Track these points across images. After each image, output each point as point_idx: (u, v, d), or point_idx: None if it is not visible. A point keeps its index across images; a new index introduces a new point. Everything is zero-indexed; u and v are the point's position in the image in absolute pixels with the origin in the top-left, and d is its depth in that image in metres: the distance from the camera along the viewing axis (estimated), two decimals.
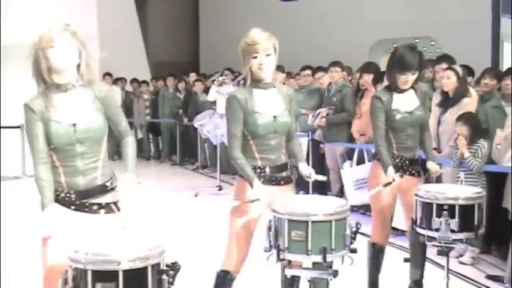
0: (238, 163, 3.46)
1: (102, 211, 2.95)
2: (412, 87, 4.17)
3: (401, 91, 4.14)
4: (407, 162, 4.14)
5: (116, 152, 13.28)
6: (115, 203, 3.00)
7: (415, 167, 4.20)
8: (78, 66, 2.95)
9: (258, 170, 3.51)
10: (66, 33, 2.91)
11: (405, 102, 4.14)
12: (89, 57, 2.99)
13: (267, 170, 3.51)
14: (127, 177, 2.99)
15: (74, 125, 2.88)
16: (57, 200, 2.88)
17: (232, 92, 3.60)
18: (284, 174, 3.57)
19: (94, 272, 2.38)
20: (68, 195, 2.90)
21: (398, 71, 4.06)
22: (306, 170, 3.56)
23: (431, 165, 4.22)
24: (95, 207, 2.93)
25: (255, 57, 3.44)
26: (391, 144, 4.14)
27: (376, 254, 4.28)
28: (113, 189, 3.00)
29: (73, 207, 2.90)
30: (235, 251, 3.53)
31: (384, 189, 3.99)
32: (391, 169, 3.98)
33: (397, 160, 4.13)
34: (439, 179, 5.50)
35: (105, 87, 3.09)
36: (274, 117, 3.50)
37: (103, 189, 2.97)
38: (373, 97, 4.21)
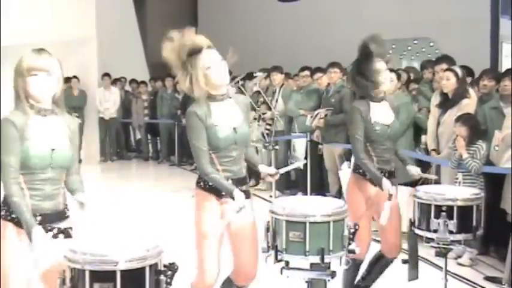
0: (212, 177, 3.35)
1: (61, 236, 2.92)
2: (385, 98, 4.11)
3: (378, 100, 4.05)
4: (387, 174, 4.04)
5: (115, 153, 13.35)
6: (71, 228, 2.99)
7: (392, 179, 4.06)
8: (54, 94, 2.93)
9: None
10: (49, 62, 2.88)
11: (382, 114, 4.06)
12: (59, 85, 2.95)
13: (230, 182, 3.41)
14: (81, 195, 3.01)
15: (53, 150, 2.87)
16: (19, 223, 2.81)
17: (191, 107, 3.46)
18: (244, 187, 3.47)
19: (92, 272, 2.39)
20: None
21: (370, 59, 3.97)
22: (269, 170, 3.53)
23: (411, 168, 4.21)
24: (55, 231, 2.91)
25: (208, 67, 3.37)
26: (370, 157, 4.03)
27: (357, 268, 4.20)
28: (68, 216, 3.00)
29: None
30: (204, 267, 3.46)
31: (361, 205, 3.99)
32: (386, 181, 3.88)
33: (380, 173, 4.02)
34: (437, 181, 5.51)
35: (75, 120, 3.09)
36: (235, 128, 3.43)
37: (63, 215, 2.97)
38: (353, 107, 4.08)
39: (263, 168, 3.57)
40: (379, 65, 4.00)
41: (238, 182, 3.45)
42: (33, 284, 2.79)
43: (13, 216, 2.83)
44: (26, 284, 2.81)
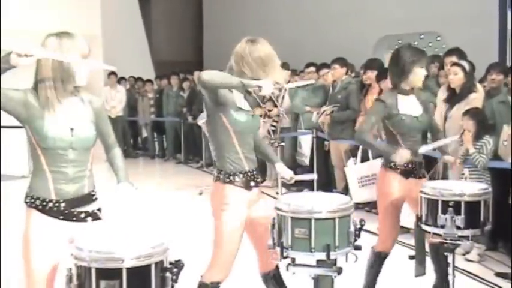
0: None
1: (89, 219, 2.91)
2: (413, 92, 4.12)
3: (407, 93, 4.07)
4: (417, 166, 4.10)
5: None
6: (99, 210, 2.97)
7: (422, 171, 4.18)
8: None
9: (249, 174, 3.43)
10: (73, 45, 2.83)
11: (411, 106, 4.08)
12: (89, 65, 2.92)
13: (255, 173, 3.45)
14: (124, 186, 2.98)
15: (72, 129, 2.83)
16: (44, 210, 2.82)
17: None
18: (259, 179, 3.51)
19: (98, 269, 2.38)
20: (56, 205, 2.83)
21: (416, 64, 3.99)
22: (285, 172, 3.56)
23: (447, 158, 4.32)
24: (82, 215, 2.89)
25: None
26: (400, 148, 4.04)
27: (380, 263, 4.22)
28: (97, 199, 2.98)
29: (61, 217, 2.84)
30: (218, 263, 3.44)
31: (392, 197, 4.03)
32: (401, 151, 3.92)
33: (409, 165, 4.06)
34: (444, 176, 5.49)
35: (99, 99, 3.05)
36: (252, 115, 3.45)
37: (89, 198, 2.94)
38: (377, 100, 4.14)
39: (280, 169, 3.58)
40: (423, 62, 4.03)
41: (257, 170, 3.48)
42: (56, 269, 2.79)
43: (37, 203, 2.83)
44: (49, 270, 2.81)
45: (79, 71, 2.84)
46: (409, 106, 4.07)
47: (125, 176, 3.04)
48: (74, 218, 2.87)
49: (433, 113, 6.13)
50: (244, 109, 3.43)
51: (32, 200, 2.83)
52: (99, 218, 2.94)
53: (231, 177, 3.37)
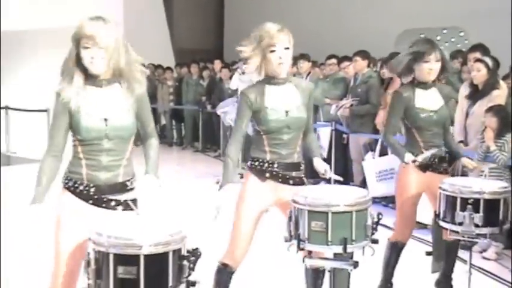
0: (227, 161, 3.46)
1: (120, 208, 2.90)
2: (435, 86, 4.10)
3: (425, 87, 4.04)
4: (436, 160, 4.06)
5: (139, 138, 13.40)
6: (133, 201, 2.95)
7: (443, 165, 4.13)
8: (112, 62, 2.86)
9: (266, 164, 3.46)
10: (105, 31, 2.80)
11: (429, 100, 4.04)
12: (131, 55, 2.92)
13: (275, 165, 3.45)
14: (149, 178, 2.97)
15: (106, 120, 2.84)
16: (75, 192, 2.86)
17: (245, 88, 3.52)
18: (294, 174, 3.49)
19: (116, 255, 2.40)
20: (86, 188, 2.85)
21: (420, 59, 3.96)
22: (322, 167, 3.50)
23: (466, 161, 4.18)
24: (112, 204, 2.89)
25: (273, 51, 3.35)
26: (417, 143, 4.03)
27: (397, 254, 4.20)
28: (132, 188, 2.96)
29: (91, 202, 2.85)
30: (236, 242, 3.52)
31: (410, 189, 4.02)
32: (408, 154, 3.92)
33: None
34: (464, 172, 5.44)
35: (142, 87, 2.97)
36: (286, 112, 3.42)
37: (123, 187, 2.92)
38: (395, 92, 4.15)
39: (316, 162, 3.55)
40: (431, 56, 3.96)
41: (288, 166, 3.48)
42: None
43: (69, 184, 2.86)
44: (75, 250, 2.84)
45: (86, 60, 2.81)
46: (426, 100, 4.04)
47: (154, 169, 3.02)
48: (104, 205, 2.88)
49: (454, 109, 6.11)
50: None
51: (66, 181, 2.88)
52: (131, 209, 2.91)
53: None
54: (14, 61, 12.80)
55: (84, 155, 2.86)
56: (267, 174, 3.46)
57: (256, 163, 3.47)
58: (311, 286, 3.64)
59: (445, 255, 4.17)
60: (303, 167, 3.56)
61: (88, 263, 2.48)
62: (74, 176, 2.87)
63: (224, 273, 3.56)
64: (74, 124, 2.84)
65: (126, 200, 2.92)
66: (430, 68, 3.97)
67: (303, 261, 3.24)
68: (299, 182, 3.48)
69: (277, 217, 3.51)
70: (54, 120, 2.87)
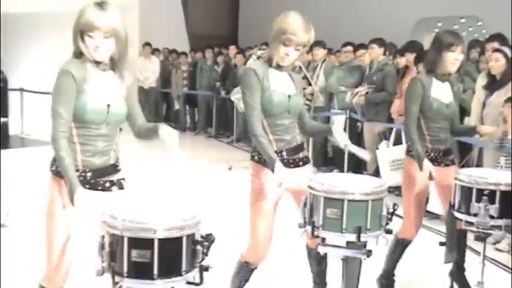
0: (260, 141, 3.32)
1: (115, 188, 2.94)
2: (449, 80, 4.06)
3: (442, 79, 4.00)
4: (441, 154, 4.02)
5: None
6: (124, 179, 2.99)
7: (449, 157, 4.09)
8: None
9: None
10: (109, 22, 2.78)
11: (443, 93, 4.01)
12: (125, 45, 2.89)
13: (284, 153, 3.44)
14: (164, 126, 2.97)
15: (108, 105, 2.85)
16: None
17: (250, 64, 3.52)
18: (301, 155, 3.51)
19: (130, 238, 2.40)
20: (83, 174, 2.85)
21: (446, 49, 3.92)
22: (342, 139, 3.48)
23: (484, 128, 4.21)
24: (107, 185, 2.92)
25: (286, 45, 3.34)
26: (423, 136, 3.99)
27: (401, 250, 4.17)
28: (120, 169, 3.00)
29: (87, 186, 2.84)
30: (258, 239, 3.48)
31: (416, 186, 3.98)
32: (427, 163, 3.86)
33: (432, 154, 4.00)
34: (479, 163, 5.41)
35: (131, 79, 3.02)
36: (289, 96, 3.42)
37: (114, 169, 2.96)
38: (414, 78, 4.07)
39: (336, 132, 3.52)
40: (458, 47, 3.93)
41: (294, 150, 3.47)
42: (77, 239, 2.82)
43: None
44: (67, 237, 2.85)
45: (90, 48, 2.80)
46: (441, 92, 4.01)
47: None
48: (100, 187, 2.90)
49: (471, 99, 6.06)
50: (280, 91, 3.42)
51: (59, 169, 2.79)
52: (123, 188, 2.97)
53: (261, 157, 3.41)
54: (29, 43, 12.85)
55: (79, 139, 2.84)
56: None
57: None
58: (315, 272, 3.68)
59: (457, 244, 4.15)
60: (305, 145, 3.58)
61: (102, 246, 2.49)
62: None
63: (245, 270, 3.58)
64: (78, 105, 2.79)
65: (118, 180, 2.96)
66: (455, 59, 3.94)
67: (317, 248, 3.23)
68: (307, 161, 3.53)
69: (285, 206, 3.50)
70: (63, 97, 2.77)
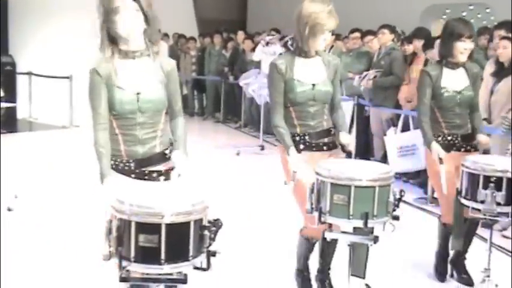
0: (278, 130, 3.55)
1: (162, 178, 2.94)
2: (463, 66, 4.07)
3: (453, 67, 4.04)
4: (459, 138, 4.07)
5: None
6: (172, 169, 2.97)
7: (470, 143, 4.11)
8: (145, 31, 2.88)
9: (298, 138, 3.57)
10: None
11: (455, 81, 4.05)
12: (156, 21, 2.92)
13: (307, 137, 3.57)
14: (178, 154, 2.93)
15: (138, 93, 2.85)
16: (117, 169, 2.88)
17: (274, 59, 3.63)
18: (326, 140, 3.61)
19: (138, 223, 2.40)
20: (127, 164, 2.89)
21: (456, 38, 3.95)
22: (345, 139, 3.57)
23: (481, 138, 4.14)
24: (154, 175, 2.93)
25: (322, 34, 3.46)
26: (438, 122, 4.07)
27: (446, 234, 4.21)
28: (170, 157, 2.96)
29: (133, 176, 2.89)
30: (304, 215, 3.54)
31: (443, 169, 3.97)
32: (434, 144, 3.96)
33: (449, 138, 4.07)
34: (486, 151, 5.39)
35: (172, 62, 3.02)
36: (313, 85, 3.54)
37: (162, 157, 2.95)
38: (423, 71, 4.15)
39: (341, 137, 3.60)
40: (466, 44, 3.97)
41: (319, 134, 3.59)
42: None
43: (111, 162, 2.86)
44: None
45: (120, 22, 2.80)
46: (453, 80, 4.04)
47: (183, 147, 2.99)
48: (146, 177, 2.91)
49: (479, 86, 6.03)
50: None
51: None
52: (170, 178, 2.96)
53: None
54: (37, 27, 12.83)
55: (119, 130, 2.89)
56: (301, 146, 3.56)
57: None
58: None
59: (466, 233, 4.16)
60: (333, 131, 3.66)
61: (109, 231, 2.50)
62: (112, 153, 2.88)
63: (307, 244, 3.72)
64: (109, 98, 2.85)
65: (167, 170, 2.96)
66: (465, 48, 3.97)
67: (323, 234, 3.24)
68: (333, 146, 3.62)
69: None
70: (94, 94, 2.85)
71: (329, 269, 3.78)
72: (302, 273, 3.82)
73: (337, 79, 3.70)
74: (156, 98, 2.90)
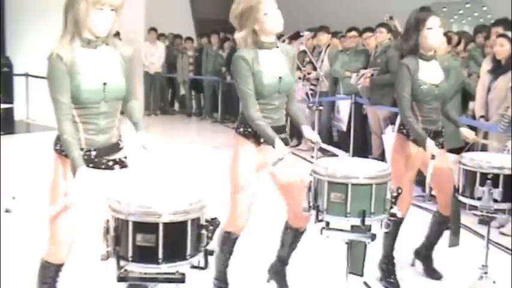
0: (258, 123, 3.43)
1: (117, 166, 2.97)
2: (435, 58, 4.04)
3: (427, 58, 3.97)
4: (432, 134, 4.00)
5: (158, 107, 13.42)
6: (126, 158, 3.03)
7: (439, 139, 4.06)
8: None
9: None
10: None
11: (431, 73, 3.99)
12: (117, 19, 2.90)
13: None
14: (145, 134, 3.03)
15: (104, 84, 2.85)
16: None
17: (238, 52, 3.56)
18: (283, 135, 3.54)
19: (135, 223, 2.41)
20: (87, 153, 2.87)
21: (422, 25, 3.87)
22: (312, 136, 3.53)
23: (465, 131, 4.12)
24: (110, 163, 2.95)
25: (266, 14, 3.43)
26: (416, 117, 3.98)
27: (397, 229, 4.15)
28: (123, 147, 3.02)
29: (91, 165, 2.87)
30: (236, 212, 3.61)
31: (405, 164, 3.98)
32: (430, 142, 3.85)
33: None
34: (484, 148, 5.40)
35: (129, 48, 3.03)
36: (280, 77, 3.50)
37: (116, 147, 2.99)
38: (400, 64, 4.02)
39: (306, 131, 3.56)
40: (432, 21, 3.90)
41: (278, 129, 3.51)
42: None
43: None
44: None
45: (97, 21, 2.81)
46: (428, 73, 3.98)
47: (143, 128, 3.07)
48: (103, 166, 2.93)
49: (476, 84, 6.04)
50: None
51: (63, 148, 2.82)
52: (126, 166, 3.01)
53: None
54: (33, 28, 12.82)
55: (80, 119, 2.86)
56: (262, 140, 3.50)
57: (250, 129, 3.51)
58: (287, 247, 3.80)
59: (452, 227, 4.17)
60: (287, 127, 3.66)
61: (107, 230, 2.50)
62: None
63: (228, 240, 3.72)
64: (73, 87, 2.80)
65: (120, 158, 2.99)
66: (435, 33, 3.90)
67: (321, 232, 3.25)
68: (286, 143, 3.52)
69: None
70: (57, 82, 2.79)
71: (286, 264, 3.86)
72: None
73: (295, 69, 3.68)
74: (120, 88, 2.92)
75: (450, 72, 4.19)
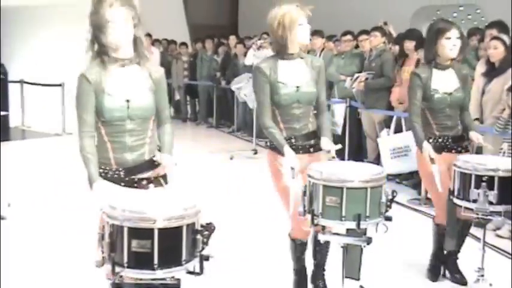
0: (270, 131, 3.57)
1: (151, 185, 2.95)
2: (452, 66, 4.10)
3: (442, 68, 4.07)
4: (450, 140, 4.09)
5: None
6: (163, 177, 3.00)
7: (461, 143, 4.13)
8: (134, 40, 2.90)
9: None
10: (123, 7, 2.84)
11: (445, 82, 4.07)
12: (143, 31, 2.93)
13: (293, 140, 3.60)
14: (165, 156, 2.98)
15: (128, 101, 2.87)
16: (106, 177, 2.88)
17: (257, 63, 3.68)
18: (312, 142, 3.64)
19: (130, 229, 2.41)
20: (116, 172, 2.90)
21: (441, 35, 3.98)
22: (326, 145, 3.57)
23: (473, 135, 4.15)
24: (144, 182, 2.93)
25: (301, 24, 3.53)
26: (430, 124, 4.09)
27: (440, 235, 4.23)
28: (158, 164, 2.98)
29: (123, 184, 2.89)
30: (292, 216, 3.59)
31: (435, 168, 3.96)
32: (426, 144, 3.98)
33: (440, 140, 4.09)
34: (479, 151, 5.41)
35: (160, 70, 3.06)
36: (297, 87, 3.57)
37: (151, 164, 2.96)
38: (413, 73, 4.16)
39: (323, 142, 3.60)
40: (452, 32, 4.00)
41: (304, 137, 3.63)
42: None
43: (100, 170, 2.86)
44: None
45: (114, 35, 2.83)
46: (442, 81, 4.06)
47: (169, 151, 3.02)
48: (135, 185, 2.92)
49: (470, 87, 6.04)
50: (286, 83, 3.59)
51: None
52: (161, 185, 2.97)
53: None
54: (28, 36, 12.82)
55: (108, 138, 2.90)
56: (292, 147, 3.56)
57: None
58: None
59: (458, 233, 4.17)
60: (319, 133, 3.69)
61: (102, 237, 2.50)
62: (101, 161, 2.89)
63: (295, 246, 3.76)
64: (97, 105, 2.86)
65: (156, 177, 2.97)
66: (453, 44, 3.99)
67: (317, 236, 3.25)
68: (318, 149, 3.62)
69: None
70: (82, 100, 2.87)
71: (323, 270, 3.78)
72: (299, 272, 3.82)
73: (322, 81, 3.72)
74: (145, 105, 2.92)
75: (467, 79, 4.24)
